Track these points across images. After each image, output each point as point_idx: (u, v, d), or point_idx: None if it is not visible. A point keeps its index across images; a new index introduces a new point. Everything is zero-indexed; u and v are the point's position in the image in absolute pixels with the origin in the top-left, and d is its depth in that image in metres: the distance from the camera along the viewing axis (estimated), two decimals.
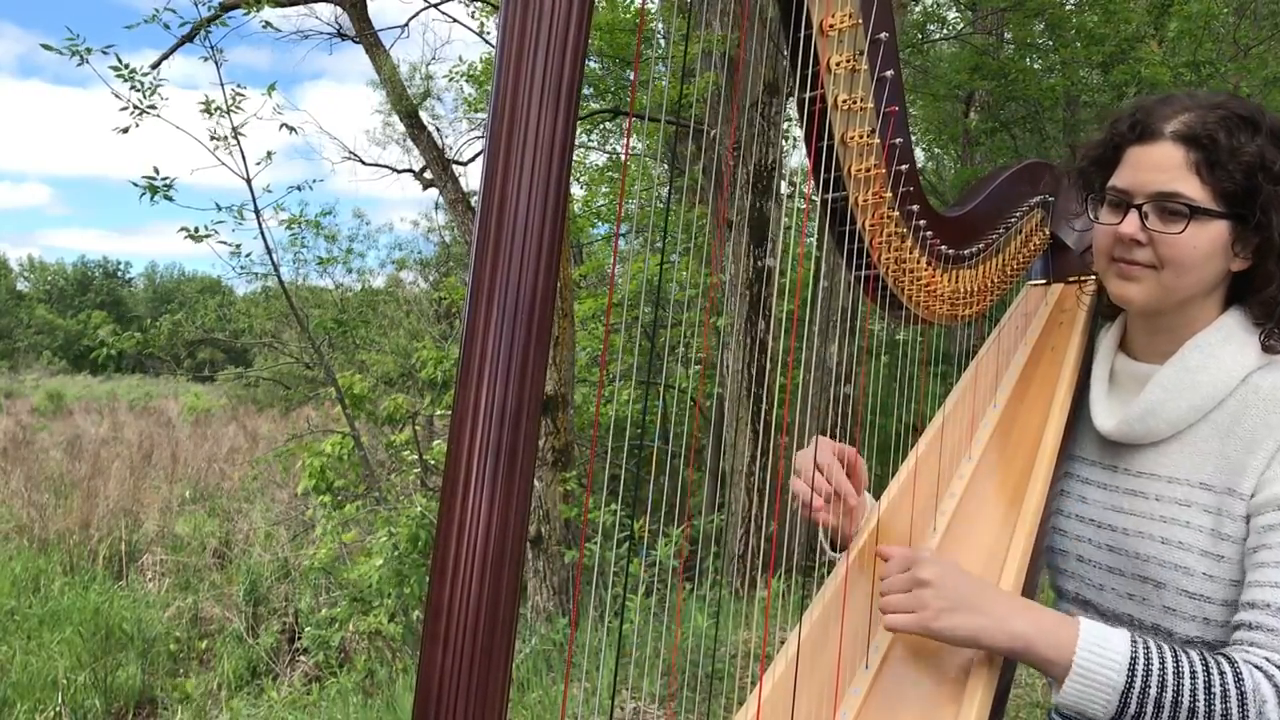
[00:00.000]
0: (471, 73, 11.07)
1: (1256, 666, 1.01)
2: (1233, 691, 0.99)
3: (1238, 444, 1.14)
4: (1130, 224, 1.16)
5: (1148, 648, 1.02)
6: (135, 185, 6.74)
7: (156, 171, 6.81)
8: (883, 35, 1.14)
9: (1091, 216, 1.24)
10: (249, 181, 7.29)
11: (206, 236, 7.18)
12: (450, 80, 11.03)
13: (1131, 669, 1.00)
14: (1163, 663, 1.01)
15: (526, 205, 0.65)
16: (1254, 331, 1.17)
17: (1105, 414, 1.27)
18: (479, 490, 0.64)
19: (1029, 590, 1.17)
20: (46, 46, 6.88)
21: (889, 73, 1.17)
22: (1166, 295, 1.18)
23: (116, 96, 6.70)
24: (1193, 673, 1.01)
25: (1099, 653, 1.01)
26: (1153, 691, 0.99)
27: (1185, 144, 1.13)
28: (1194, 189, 1.13)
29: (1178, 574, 1.15)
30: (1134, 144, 1.18)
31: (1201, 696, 0.99)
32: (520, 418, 0.66)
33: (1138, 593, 1.21)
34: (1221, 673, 1.00)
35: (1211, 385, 1.17)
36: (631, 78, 9.83)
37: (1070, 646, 1.02)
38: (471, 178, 10.41)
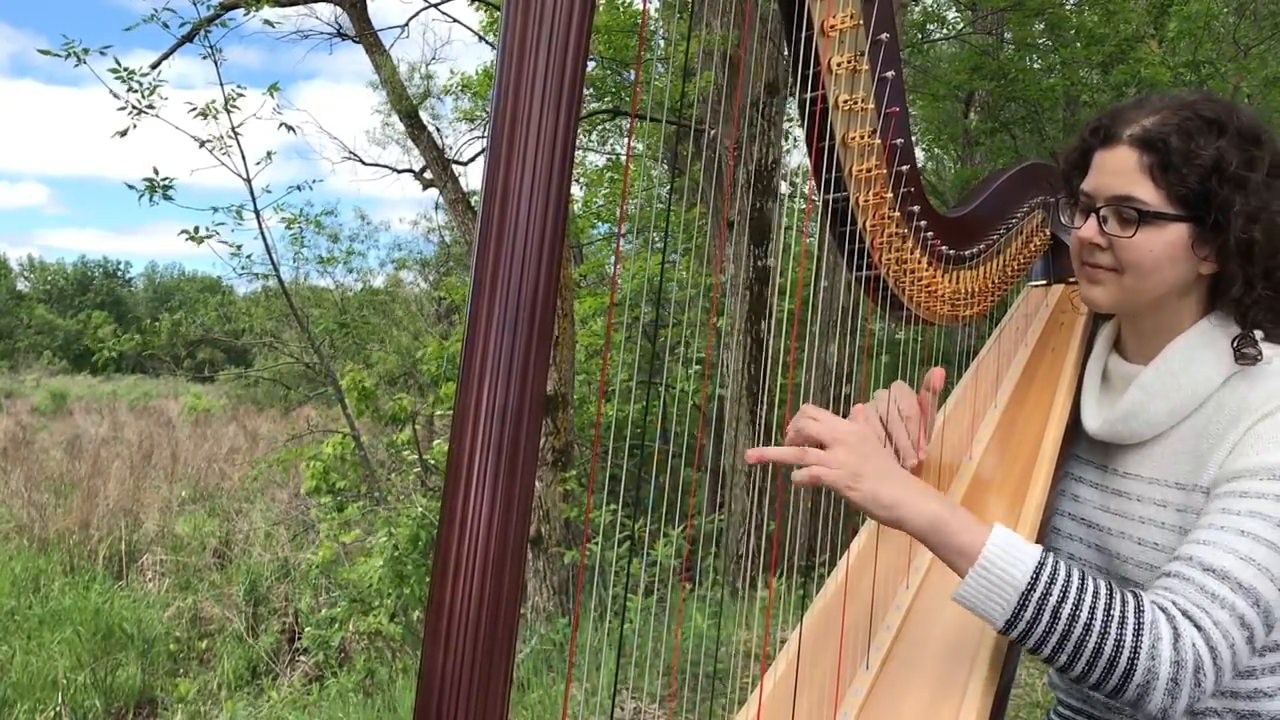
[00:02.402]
0: (467, 82, 11.11)
1: (1160, 607, 1.00)
2: (1130, 620, 0.98)
3: (1208, 442, 1.15)
4: (1089, 228, 1.18)
5: (1056, 562, 1.01)
6: (134, 188, 6.75)
7: (156, 172, 6.81)
8: (884, 36, 1.14)
9: (1065, 220, 1.26)
10: (249, 181, 7.29)
11: (208, 238, 7.18)
12: (447, 91, 11.05)
13: (1036, 573, 0.99)
14: (1068, 577, 1.00)
15: (528, 205, 0.65)
16: (1232, 335, 1.17)
17: (1092, 414, 1.28)
18: (480, 490, 0.65)
19: None
20: (44, 51, 6.90)
21: (890, 74, 1.17)
22: (1130, 298, 1.19)
23: (115, 96, 6.69)
24: (1095, 592, 1.00)
25: (1008, 551, 1.00)
26: (1052, 600, 0.98)
27: (1140, 147, 1.14)
28: (1147, 192, 1.13)
29: (1151, 575, 1.16)
30: (1098, 148, 1.20)
31: (1100, 616, 0.98)
32: (521, 417, 0.66)
33: None
34: (1124, 601, 1.00)
35: (1191, 388, 1.17)
36: (630, 77, 9.83)
37: (981, 541, 1.00)
38: (471, 178, 10.42)
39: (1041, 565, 1.00)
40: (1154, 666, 0.97)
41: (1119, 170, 1.15)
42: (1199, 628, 0.99)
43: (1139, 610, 0.99)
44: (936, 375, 1.28)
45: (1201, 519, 1.09)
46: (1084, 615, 0.98)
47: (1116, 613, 0.99)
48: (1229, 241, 1.12)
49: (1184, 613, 1.00)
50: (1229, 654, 0.99)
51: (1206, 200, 1.12)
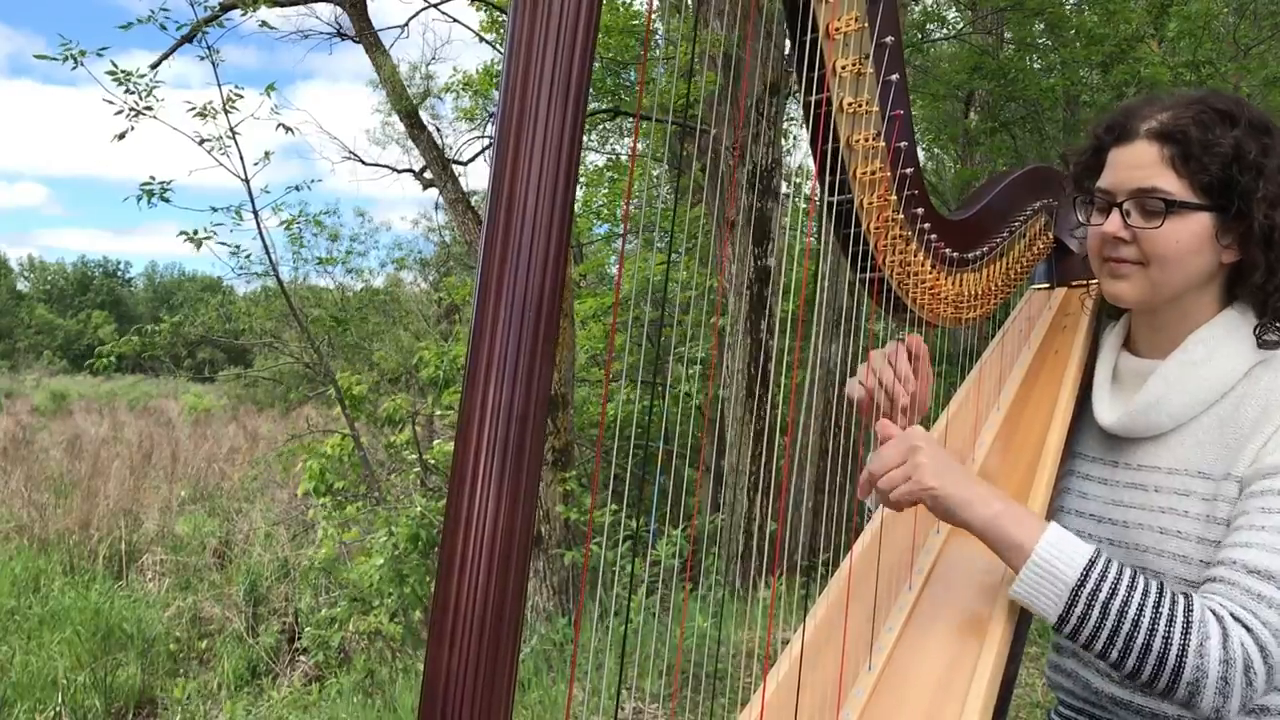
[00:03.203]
0: (468, 80, 11.11)
1: (1210, 609, 1.03)
2: (1179, 618, 1.02)
3: (1236, 432, 1.15)
4: (1113, 223, 1.19)
5: (1109, 561, 1.05)
6: (135, 197, 6.74)
7: (153, 179, 6.80)
8: (888, 39, 1.14)
9: (1082, 219, 1.27)
10: (247, 182, 7.28)
11: (206, 239, 7.16)
12: (448, 89, 11.04)
13: (1087, 570, 1.04)
14: (1119, 574, 1.04)
15: (535, 204, 0.65)
16: (1253, 325, 1.19)
17: (1107, 409, 1.29)
18: (486, 489, 0.65)
19: None
20: (40, 56, 6.90)
21: (894, 76, 1.17)
22: (1156, 290, 1.20)
23: (110, 102, 6.66)
24: (1145, 590, 1.04)
25: (1060, 548, 1.05)
26: (1102, 596, 1.02)
27: (1160, 140, 1.16)
28: (1171, 183, 1.16)
29: (1175, 563, 1.17)
30: (1114, 145, 1.22)
31: (1149, 613, 1.02)
32: (527, 416, 0.66)
33: None
34: (1174, 600, 1.03)
35: (1214, 378, 1.18)
36: (630, 78, 9.83)
37: (1035, 538, 1.06)
38: (471, 177, 10.42)
39: (1093, 563, 1.04)
40: (1203, 665, 1.00)
41: (1140, 164, 1.17)
42: (1247, 628, 1.02)
43: (1189, 610, 1.02)
44: (914, 341, 1.31)
45: (1239, 519, 1.11)
46: (1133, 612, 1.02)
47: (1165, 610, 1.02)
48: (1252, 228, 1.14)
49: (1232, 614, 1.03)
50: (1279, 651, 1.02)
51: (1229, 188, 1.14)
